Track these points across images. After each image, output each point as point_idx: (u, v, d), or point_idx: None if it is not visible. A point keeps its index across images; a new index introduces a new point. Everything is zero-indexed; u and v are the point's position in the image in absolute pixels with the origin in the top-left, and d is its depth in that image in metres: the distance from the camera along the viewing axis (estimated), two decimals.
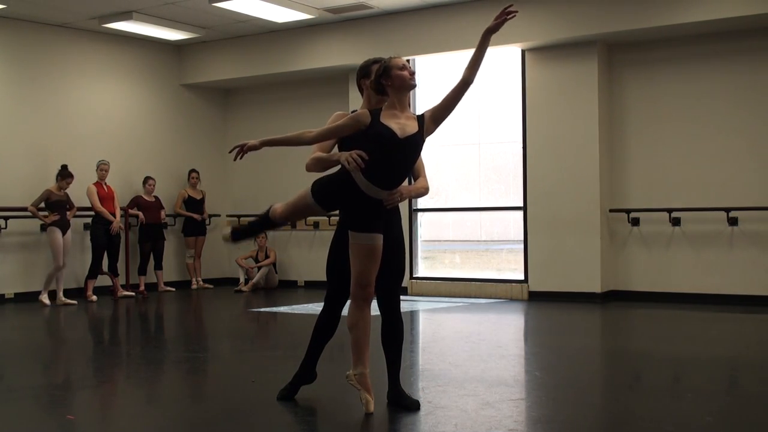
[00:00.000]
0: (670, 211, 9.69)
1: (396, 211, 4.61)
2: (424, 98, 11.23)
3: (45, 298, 10.25)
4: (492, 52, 10.60)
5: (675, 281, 9.72)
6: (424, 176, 4.71)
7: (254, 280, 11.90)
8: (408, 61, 4.90)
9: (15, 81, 10.84)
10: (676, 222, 9.70)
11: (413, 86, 4.49)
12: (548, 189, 10.16)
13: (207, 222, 12.42)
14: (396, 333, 4.66)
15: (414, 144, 4.41)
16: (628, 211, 9.96)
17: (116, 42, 11.76)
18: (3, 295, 10.57)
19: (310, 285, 12.04)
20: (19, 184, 10.70)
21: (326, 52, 11.33)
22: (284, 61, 11.69)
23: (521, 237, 10.46)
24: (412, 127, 4.42)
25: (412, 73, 4.49)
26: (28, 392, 5.39)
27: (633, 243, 10.02)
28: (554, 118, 10.14)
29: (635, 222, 9.95)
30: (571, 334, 7.87)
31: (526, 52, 10.30)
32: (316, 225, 12.02)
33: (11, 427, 4.50)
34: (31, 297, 10.65)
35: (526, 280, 10.34)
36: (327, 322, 4.73)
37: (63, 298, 10.27)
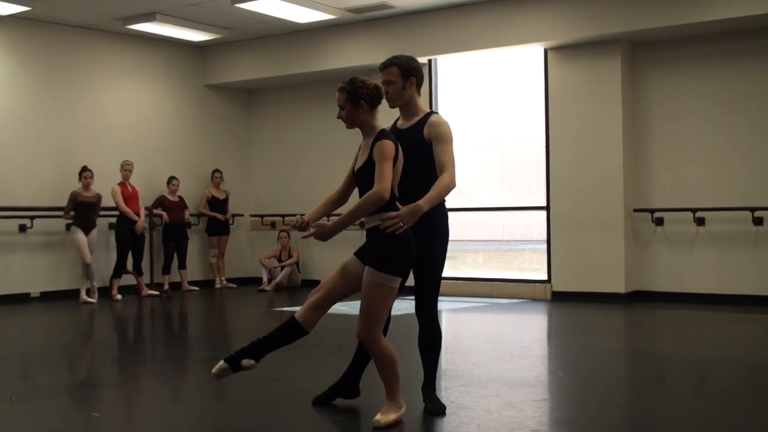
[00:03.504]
0: (694, 210, 9.62)
1: (428, 225, 4.42)
2: (445, 98, 11.23)
3: (84, 297, 10.36)
4: (514, 51, 10.64)
5: (699, 282, 9.65)
6: (446, 173, 4.38)
7: (277, 280, 11.93)
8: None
9: (39, 82, 10.94)
10: (700, 222, 9.63)
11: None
12: (571, 188, 10.12)
13: (230, 222, 12.47)
14: (429, 341, 4.58)
15: (361, 174, 4.30)
16: (652, 211, 9.90)
17: (140, 43, 11.84)
18: (29, 293, 10.67)
19: None
20: (45, 185, 10.80)
21: (348, 52, 11.35)
22: (306, 61, 11.72)
23: (544, 237, 10.42)
24: (363, 158, 4.31)
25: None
26: (54, 390, 5.45)
27: (657, 243, 9.96)
28: (577, 117, 10.10)
29: (659, 222, 9.89)
30: (595, 334, 7.83)
31: (548, 51, 10.26)
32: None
33: (38, 424, 4.55)
34: (56, 296, 10.75)
35: (549, 280, 10.30)
36: None
37: (84, 296, 10.36)
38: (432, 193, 4.30)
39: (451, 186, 4.36)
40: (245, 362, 4.28)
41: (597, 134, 9.96)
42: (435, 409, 4.51)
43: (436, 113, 4.60)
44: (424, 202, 4.22)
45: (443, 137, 4.46)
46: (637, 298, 9.90)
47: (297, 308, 4.46)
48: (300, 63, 11.82)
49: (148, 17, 10.75)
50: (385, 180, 4.09)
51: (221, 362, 4.30)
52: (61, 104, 11.13)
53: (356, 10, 10.59)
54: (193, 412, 4.88)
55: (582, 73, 10.07)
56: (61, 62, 11.15)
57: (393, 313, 4.61)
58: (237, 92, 13.20)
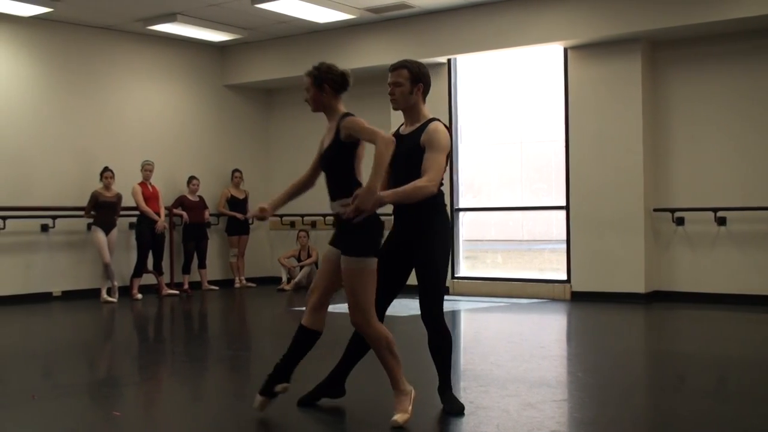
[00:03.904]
0: (715, 210, 9.56)
1: (425, 226, 4.45)
2: (464, 98, 11.21)
3: (105, 296, 10.44)
4: (534, 51, 10.61)
5: (720, 282, 9.58)
6: (426, 177, 4.34)
7: (296, 279, 11.96)
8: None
9: (61, 83, 11.02)
10: (721, 221, 9.56)
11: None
12: (591, 188, 10.08)
13: (250, 221, 12.51)
14: (437, 344, 4.55)
15: (326, 158, 4.41)
16: (672, 211, 9.84)
17: (160, 44, 11.90)
18: (51, 292, 10.75)
19: None
20: (67, 185, 10.89)
21: (368, 52, 11.35)
22: (326, 61, 11.71)
23: (564, 236, 10.38)
24: (327, 141, 4.42)
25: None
26: (75, 389, 5.49)
27: (677, 243, 9.90)
28: (597, 116, 10.06)
29: (680, 221, 9.83)
30: (615, 334, 7.80)
31: (568, 50, 10.22)
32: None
33: (59, 422, 4.59)
34: (77, 295, 10.84)
35: (568, 280, 10.26)
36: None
37: (105, 296, 10.43)
38: (402, 189, 4.33)
39: (425, 190, 4.33)
40: (278, 388, 4.42)
41: (617, 133, 9.92)
42: (453, 409, 4.50)
43: (438, 120, 4.56)
44: (388, 193, 4.28)
45: (436, 144, 4.42)
46: (657, 298, 9.85)
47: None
48: None
49: (169, 18, 10.81)
50: (378, 133, 4.11)
51: (257, 396, 4.44)
52: (82, 105, 11.21)
53: (375, 10, 10.60)
54: (212, 411, 4.91)
55: (602, 72, 10.03)
56: (82, 63, 11.23)
57: (402, 314, 4.63)
58: (256, 92, 13.25)
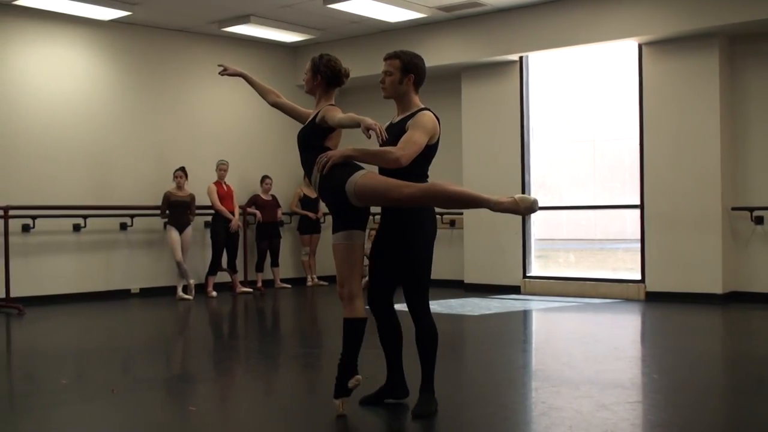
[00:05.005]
0: None
1: (404, 224, 4.49)
2: (536, 95, 11.12)
3: (181, 293, 10.68)
4: (607, 47, 10.47)
5: None
6: (398, 147, 4.34)
7: (367, 277, 11.98)
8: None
9: (140, 85, 11.29)
10: None
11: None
12: (667, 186, 9.90)
13: (322, 220, 12.62)
14: (421, 337, 4.53)
15: (301, 135, 4.70)
16: (751, 209, 9.60)
17: (234, 45, 12.09)
18: (129, 290, 11.03)
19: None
20: (145, 184, 11.15)
21: (439, 50, 11.34)
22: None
23: (638, 236, 10.22)
24: (308, 120, 4.79)
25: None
26: (153, 384, 5.63)
27: (756, 242, 9.65)
28: (673, 113, 9.87)
29: (759, 220, 9.59)
30: (691, 336, 7.64)
31: (643, 47, 10.05)
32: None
33: (137, 416, 4.71)
34: (154, 292, 11.10)
35: (642, 280, 10.10)
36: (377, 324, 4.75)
37: (180, 293, 10.66)
38: (371, 149, 4.40)
39: (391, 155, 4.29)
40: (351, 383, 4.47)
41: (693, 131, 9.72)
42: (421, 411, 4.42)
43: (428, 109, 4.57)
44: (354, 149, 4.40)
45: (418, 124, 4.43)
46: (734, 299, 9.62)
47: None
48: None
49: (243, 19, 10.98)
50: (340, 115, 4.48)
51: (335, 402, 4.50)
52: (159, 106, 11.46)
53: (447, 9, 10.59)
54: (285, 406, 4.97)
55: (678, 69, 9.84)
56: (159, 65, 11.48)
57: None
58: None
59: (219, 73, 5.41)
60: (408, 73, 4.62)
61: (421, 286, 4.55)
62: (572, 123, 11.10)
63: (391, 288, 4.66)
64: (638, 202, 10.21)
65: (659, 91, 9.96)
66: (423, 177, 4.50)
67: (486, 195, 4.18)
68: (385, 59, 4.69)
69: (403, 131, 4.44)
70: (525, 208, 4.07)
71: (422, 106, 4.60)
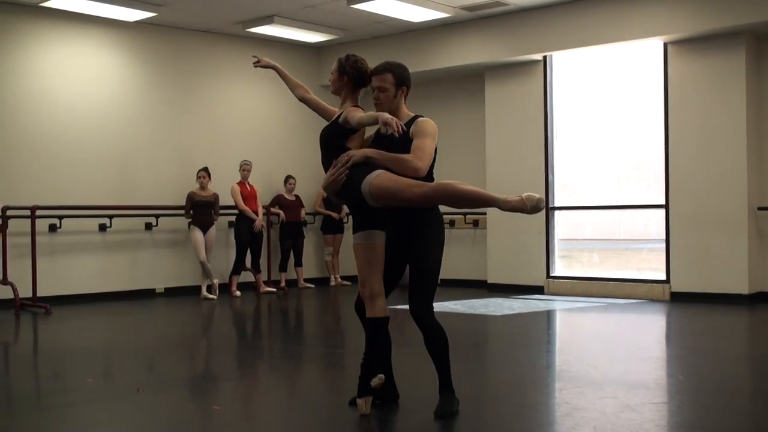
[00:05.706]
0: None
1: (414, 222, 4.48)
2: (560, 94, 11.08)
3: (205, 293, 10.74)
4: (632, 46, 10.40)
5: None
6: (413, 155, 4.37)
7: None
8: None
9: (164, 85, 11.36)
10: None
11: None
12: (692, 186, 9.83)
13: (345, 220, 12.64)
14: (431, 343, 4.49)
15: (325, 133, 4.73)
16: None
17: (258, 45, 12.12)
18: (154, 289, 11.11)
19: (446, 283, 12.04)
20: (169, 184, 11.22)
21: (462, 50, 11.33)
22: (421, 60, 11.75)
23: (663, 236, 10.15)
24: (331, 120, 4.81)
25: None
26: (177, 383, 5.67)
27: None
28: (699, 112, 9.79)
29: None
30: (717, 336, 7.58)
31: (668, 45, 9.99)
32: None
33: (162, 415, 4.75)
34: (179, 291, 11.17)
35: (667, 280, 10.03)
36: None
37: (205, 293, 10.72)
38: (392, 154, 4.39)
39: (410, 164, 4.33)
40: (374, 383, 4.44)
41: (719, 130, 9.64)
42: (443, 411, 4.41)
43: (421, 116, 4.61)
44: (376, 150, 4.42)
45: (425, 131, 4.47)
46: (761, 299, 9.54)
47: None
48: (414, 62, 11.83)
49: (267, 20, 11.02)
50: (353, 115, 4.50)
51: (358, 401, 4.48)
52: (184, 106, 11.53)
53: (470, 8, 10.57)
54: (308, 405, 4.99)
55: (704, 68, 9.76)
56: (184, 65, 11.55)
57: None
58: None
59: (253, 64, 5.47)
60: (401, 86, 4.66)
61: (428, 295, 4.50)
62: (596, 123, 11.05)
63: (386, 293, 4.63)
64: (663, 202, 10.15)
65: (684, 91, 9.89)
66: (430, 177, 4.52)
67: (496, 194, 4.24)
68: (376, 74, 4.70)
69: (400, 141, 4.43)
70: (531, 207, 4.14)
71: (413, 114, 4.64)
